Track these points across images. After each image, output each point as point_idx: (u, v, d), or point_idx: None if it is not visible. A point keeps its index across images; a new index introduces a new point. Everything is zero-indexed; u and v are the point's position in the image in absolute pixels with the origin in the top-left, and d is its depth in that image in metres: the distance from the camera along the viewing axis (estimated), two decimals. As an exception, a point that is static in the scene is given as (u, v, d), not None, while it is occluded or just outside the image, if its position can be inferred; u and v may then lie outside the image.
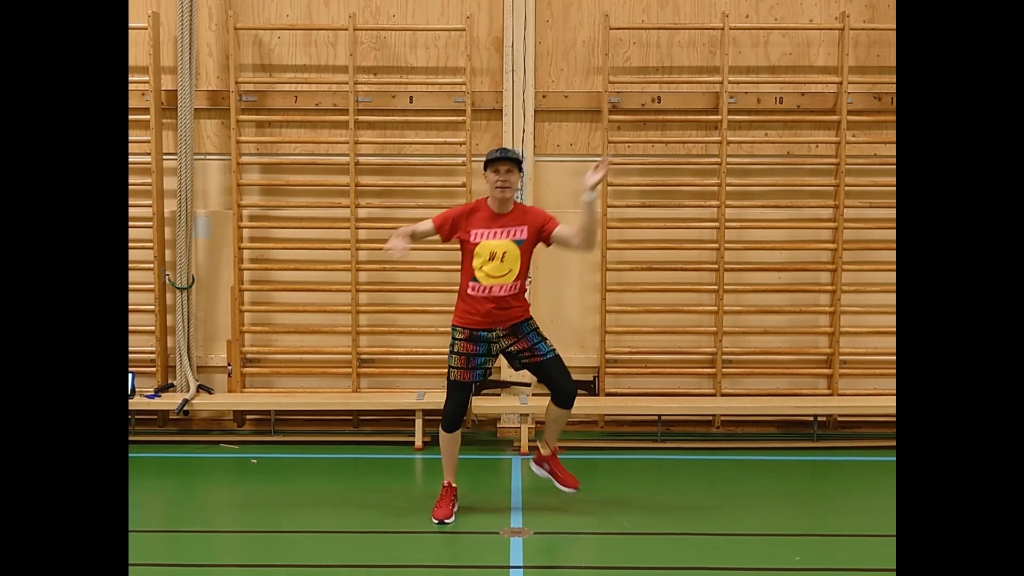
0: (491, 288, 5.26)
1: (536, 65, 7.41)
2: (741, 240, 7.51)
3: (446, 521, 5.43)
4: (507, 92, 7.37)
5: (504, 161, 5.24)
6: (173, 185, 7.44)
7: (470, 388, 5.49)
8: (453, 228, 5.32)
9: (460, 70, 7.44)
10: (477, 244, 5.26)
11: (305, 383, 7.68)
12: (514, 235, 5.28)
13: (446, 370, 5.45)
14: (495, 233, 5.27)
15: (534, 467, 5.68)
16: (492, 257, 5.24)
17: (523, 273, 5.32)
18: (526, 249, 5.30)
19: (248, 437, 7.48)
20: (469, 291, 5.30)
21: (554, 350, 5.39)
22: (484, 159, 5.33)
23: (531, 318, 5.42)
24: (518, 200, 5.53)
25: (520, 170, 5.34)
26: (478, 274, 5.26)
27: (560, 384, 5.38)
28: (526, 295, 5.44)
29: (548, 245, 5.43)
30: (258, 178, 7.61)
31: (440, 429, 5.54)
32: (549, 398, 5.47)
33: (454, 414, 5.46)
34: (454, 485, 5.60)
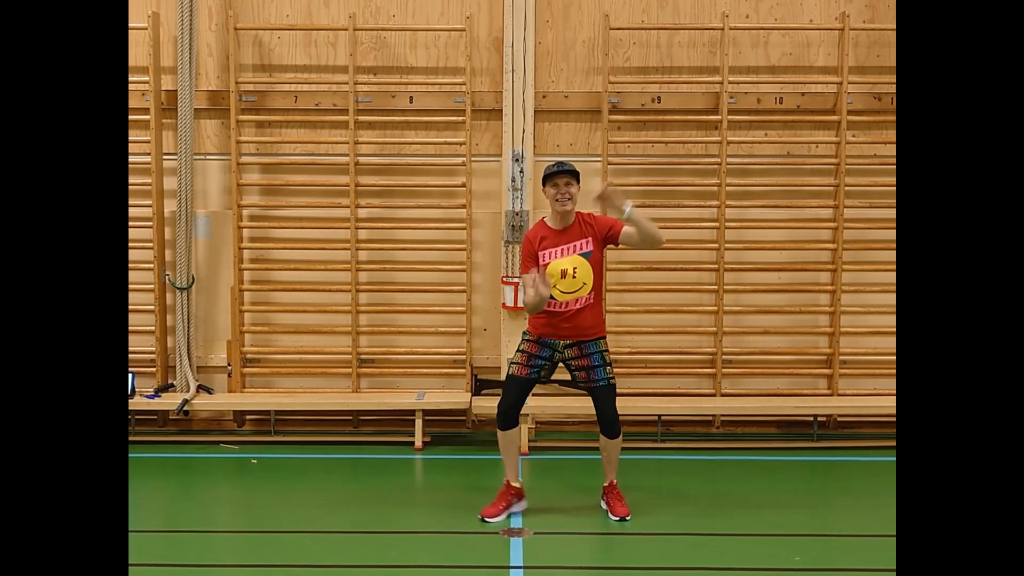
0: (567, 303, 5.31)
1: (536, 65, 7.41)
2: (741, 240, 7.51)
3: (489, 520, 5.44)
4: (507, 92, 7.37)
5: (562, 175, 5.28)
6: (173, 185, 7.44)
7: (525, 384, 5.46)
8: (536, 262, 5.32)
9: (460, 70, 7.44)
10: (547, 264, 5.29)
11: (305, 383, 7.68)
12: (580, 248, 5.32)
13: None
14: (562, 251, 5.32)
15: (603, 503, 5.66)
16: (564, 275, 5.28)
17: (597, 285, 5.36)
18: (595, 260, 5.34)
19: (248, 437, 7.48)
20: (548, 307, 5.30)
21: (610, 379, 5.42)
22: (543, 174, 5.37)
23: (603, 338, 5.45)
24: (576, 210, 5.44)
25: (578, 180, 5.35)
26: (554, 292, 5.27)
27: (603, 411, 5.43)
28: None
29: (616, 245, 5.45)
30: (258, 178, 7.61)
31: (497, 428, 5.53)
32: (598, 424, 5.54)
33: (508, 409, 5.47)
34: (514, 485, 5.57)
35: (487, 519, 5.43)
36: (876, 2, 7.49)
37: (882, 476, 6.47)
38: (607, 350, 5.46)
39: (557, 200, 5.29)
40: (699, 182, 7.48)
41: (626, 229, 5.32)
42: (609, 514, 5.52)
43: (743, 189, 7.48)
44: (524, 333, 5.52)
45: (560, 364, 5.49)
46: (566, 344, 5.39)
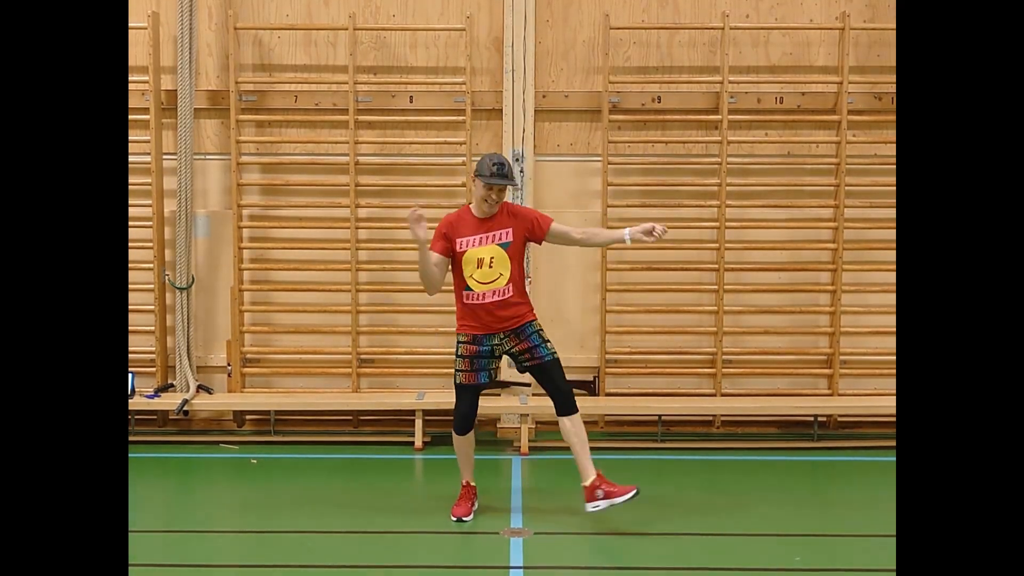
0: (484, 295, 5.25)
1: (536, 65, 7.41)
2: (741, 240, 7.50)
3: (464, 519, 5.44)
4: (507, 92, 7.36)
5: (500, 181, 5.19)
6: (173, 185, 7.43)
7: (477, 390, 5.44)
8: (447, 244, 5.28)
9: (460, 70, 7.44)
10: (464, 252, 5.24)
11: (305, 383, 7.68)
12: (499, 239, 5.25)
13: (452, 373, 5.44)
14: (480, 240, 5.26)
15: (590, 507, 5.24)
16: (480, 264, 5.23)
17: (516, 276, 5.28)
18: (514, 251, 5.27)
19: (248, 437, 7.47)
20: (464, 300, 5.30)
21: (554, 353, 5.35)
22: (477, 167, 5.25)
23: (534, 320, 5.38)
24: (511, 201, 5.47)
25: (513, 184, 5.31)
26: (470, 282, 5.25)
27: (556, 384, 5.32)
28: (528, 293, 5.42)
29: (540, 243, 5.41)
30: (258, 178, 7.61)
31: (452, 432, 5.53)
32: (558, 419, 5.36)
33: (464, 417, 5.44)
34: (472, 484, 5.59)
35: (462, 519, 5.44)
36: (876, 2, 7.48)
37: (882, 476, 6.47)
38: (542, 330, 5.39)
39: (485, 201, 5.22)
40: (699, 182, 7.48)
41: (556, 227, 5.31)
42: (619, 499, 5.14)
43: (743, 189, 7.47)
44: (457, 336, 5.40)
45: (502, 356, 5.41)
46: (503, 336, 5.31)
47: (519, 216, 5.35)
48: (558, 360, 5.36)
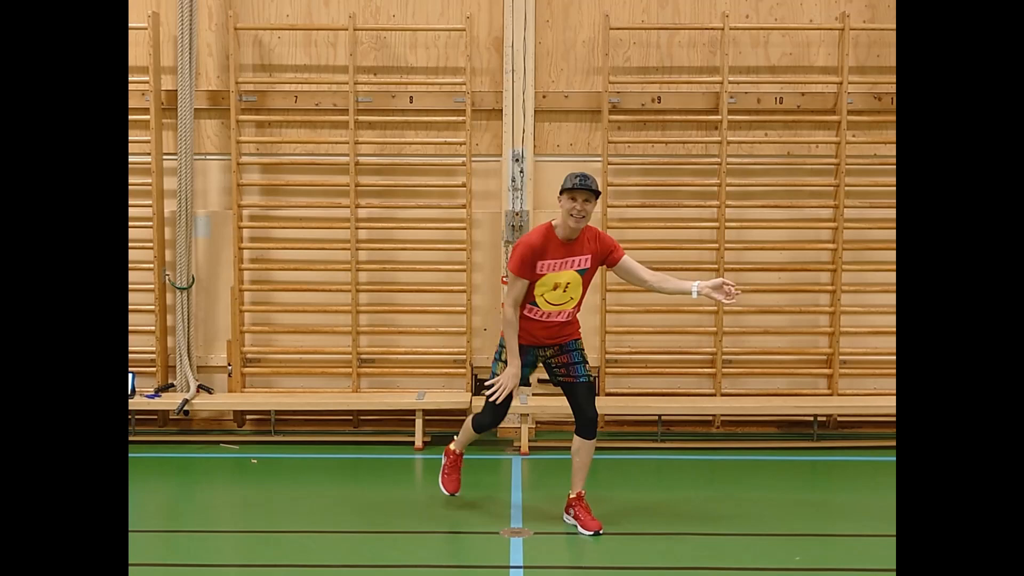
0: (549, 314, 5.22)
1: (536, 65, 7.41)
2: (741, 240, 7.51)
3: (456, 494, 5.51)
4: (507, 92, 7.37)
5: (583, 191, 5.03)
6: (173, 185, 7.44)
7: (509, 397, 5.35)
8: (532, 271, 5.13)
9: (460, 70, 7.44)
10: (542, 275, 5.15)
11: (305, 383, 7.68)
12: (578, 264, 5.18)
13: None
14: (561, 264, 5.15)
15: (565, 516, 5.43)
16: (556, 287, 5.17)
17: (582, 301, 5.30)
18: (588, 277, 5.26)
19: (248, 437, 7.48)
20: (526, 312, 5.23)
21: (590, 376, 5.35)
22: (563, 183, 5.08)
23: (579, 338, 5.39)
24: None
25: (597, 197, 5.14)
26: (539, 300, 5.19)
27: (582, 408, 5.29)
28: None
29: (612, 269, 5.36)
30: (258, 178, 7.61)
31: (471, 420, 5.50)
32: (573, 429, 5.37)
33: (490, 422, 5.43)
34: (462, 453, 5.62)
35: (455, 494, 5.53)
36: (876, 2, 7.49)
37: (882, 476, 6.47)
38: (584, 348, 5.40)
39: (571, 215, 5.05)
40: (699, 182, 7.48)
41: (626, 260, 5.28)
42: (580, 529, 5.26)
43: (743, 189, 7.48)
44: (501, 340, 5.34)
45: (540, 364, 5.41)
46: (546, 348, 5.32)
47: (601, 242, 5.27)
48: (592, 384, 5.36)
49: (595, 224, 7.37)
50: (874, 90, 7.46)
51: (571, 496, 5.38)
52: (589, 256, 5.20)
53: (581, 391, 5.31)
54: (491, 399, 5.24)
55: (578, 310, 5.34)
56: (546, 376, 5.56)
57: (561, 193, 5.09)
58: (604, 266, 5.35)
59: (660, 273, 5.44)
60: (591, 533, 5.23)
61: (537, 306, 5.20)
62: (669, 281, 5.34)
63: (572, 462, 5.38)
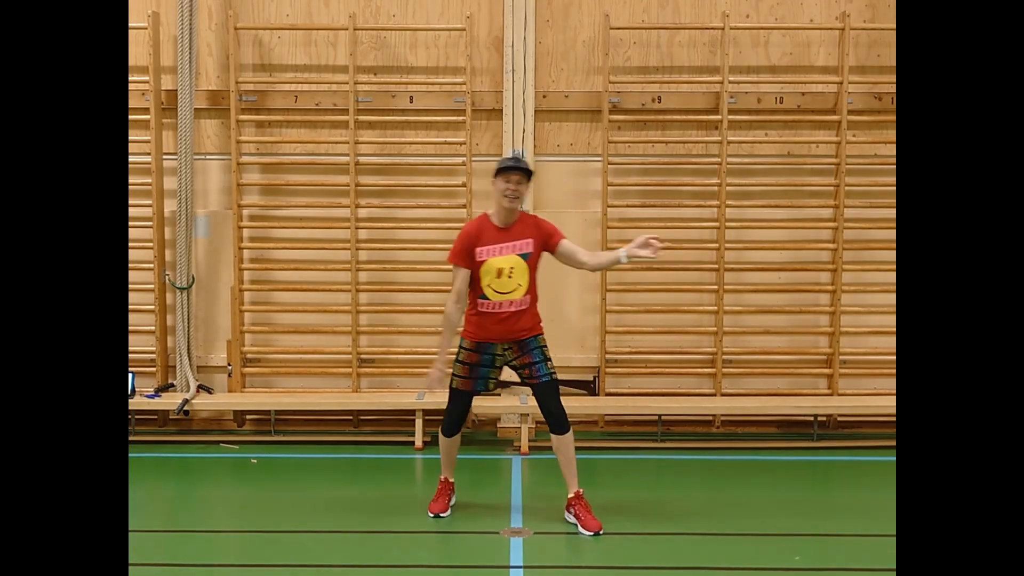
0: (500, 304, 5.23)
1: (536, 65, 7.41)
2: (741, 240, 7.51)
3: (442, 515, 5.47)
4: (507, 92, 7.37)
5: (516, 171, 5.15)
6: (173, 185, 7.44)
7: (471, 396, 5.45)
8: (470, 258, 5.21)
9: (460, 70, 7.44)
10: (483, 262, 5.19)
11: (305, 383, 7.68)
12: (520, 249, 5.22)
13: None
14: (501, 249, 5.20)
15: (566, 515, 5.42)
16: (499, 274, 5.19)
17: (532, 287, 5.28)
18: (533, 262, 5.25)
19: (248, 437, 7.48)
20: (479, 308, 5.26)
21: (552, 374, 5.34)
22: (496, 165, 5.23)
23: (540, 334, 5.37)
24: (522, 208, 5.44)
25: (529, 180, 5.24)
26: (487, 291, 5.21)
27: (548, 407, 5.32)
28: (537, 306, 5.40)
29: (553, 254, 5.37)
30: (258, 178, 7.61)
31: (439, 431, 5.53)
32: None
33: (454, 421, 5.46)
34: (451, 480, 5.61)
35: (440, 515, 5.48)
36: (876, 2, 7.49)
37: (882, 476, 6.47)
38: (546, 345, 5.37)
39: (505, 196, 5.14)
40: (699, 182, 7.48)
41: (565, 244, 5.28)
42: (581, 529, 5.25)
43: (743, 189, 7.48)
44: (460, 341, 5.39)
45: (503, 367, 5.41)
46: (504, 346, 5.31)
47: (540, 227, 5.31)
48: (555, 381, 5.35)
49: (596, 224, 7.42)
50: (874, 90, 7.46)
51: (570, 496, 5.39)
52: (531, 240, 5.23)
53: (543, 390, 5.32)
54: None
55: (532, 300, 5.30)
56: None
57: (495, 176, 5.19)
58: (547, 251, 5.34)
59: (593, 251, 5.66)
60: (591, 533, 5.23)
61: (487, 298, 5.23)
62: (601, 256, 5.48)
63: (558, 461, 5.40)
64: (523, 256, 5.21)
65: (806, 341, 7.65)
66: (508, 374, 5.50)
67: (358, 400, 7.52)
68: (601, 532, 5.22)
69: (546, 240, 5.28)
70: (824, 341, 7.62)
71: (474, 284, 5.26)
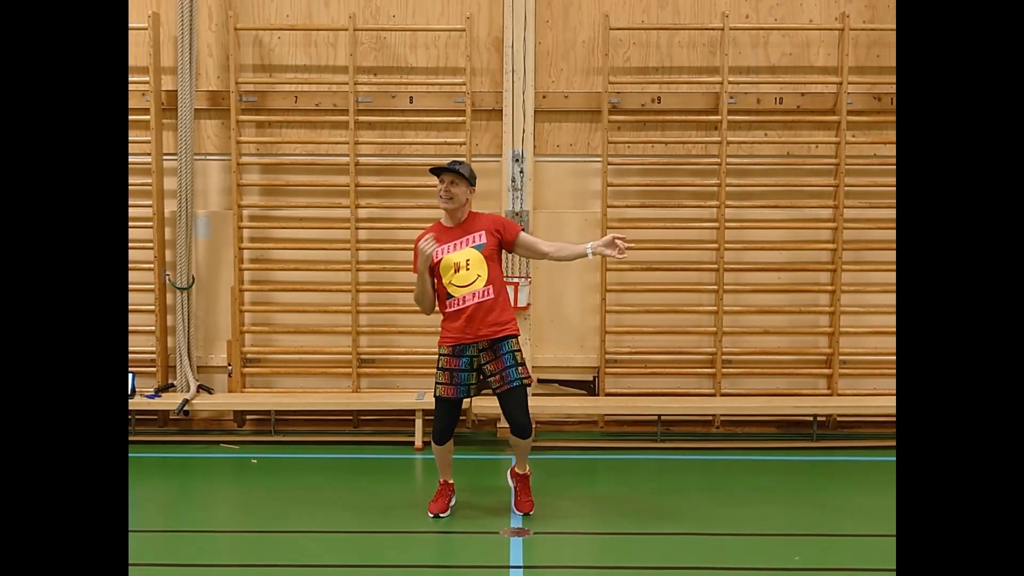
0: (464, 298, 5.25)
1: (536, 65, 7.41)
2: (741, 240, 7.51)
3: (441, 515, 5.47)
4: (507, 92, 7.37)
5: (447, 172, 5.28)
6: (173, 185, 7.44)
7: (457, 404, 5.44)
8: (428, 262, 5.31)
9: (460, 70, 7.45)
10: (440, 260, 5.27)
11: (305, 383, 7.68)
12: (472, 241, 5.29)
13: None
14: (455, 245, 5.29)
15: (508, 477, 5.67)
16: (457, 268, 5.25)
17: (495, 277, 5.29)
18: (490, 253, 5.28)
19: (248, 437, 7.48)
20: (447, 308, 5.33)
21: (522, 379, 5.30)
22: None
23: (515, 336, 5.35)
24: (472, 207, 5.49)
25: (470, 184, 5.32)
26: (450, 288, 5.28)
27: (513, 415, 5.31)
28: (512, 301, 5.41)
29: (511, 251, 5.42)
30: (258, 178, 7.61)
31: (431, 440, 5.54)
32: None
33: (443, 429, 5.45)
34: (451, 482, 5.62)
35: (439, 515, 5.49)
36: (876, 2, 7.49)
37: (882, 476, 6.47)
38: (519, 350, 5.35)
39: (439, 196, 5.31)
40: (699, 182, 7.48)
41: (524, 237, 5.37)
42: (513, 506, 5.51)
43: (743, 189, 7.48)
44: (439, 348, 5.44)
45: (480, 370, 5.40)
46: (481, 348, 5.30)
47: (494, 220, 5.41)
48: (524, 388, 5.33)
49: (596, 224, 7.42)
50: (874, 90, 7.46)
51: (517, 471, 5.56)
52: (483, 231, 5.29)
53: (511, 396, 5.30)
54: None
55: (497, 293, 5.29)
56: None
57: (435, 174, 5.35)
58: (505, 246, 5.38)
59: (557, 243, 5.65)
60: (521, 513, 5.39)
61: (452, 296, 5.28)
62: (566, 248, 5.47)
63: (512, 447, 5.52)
64: (477, 247, 5.27)
65: (806, 341, 7.66)
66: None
67: (358, 400, 7.52)
68: (531, 514, 5.42)
69: (501, 232, 5.34)
70: (824, 341, 7.62)
71: (439, 287, 5.33)
